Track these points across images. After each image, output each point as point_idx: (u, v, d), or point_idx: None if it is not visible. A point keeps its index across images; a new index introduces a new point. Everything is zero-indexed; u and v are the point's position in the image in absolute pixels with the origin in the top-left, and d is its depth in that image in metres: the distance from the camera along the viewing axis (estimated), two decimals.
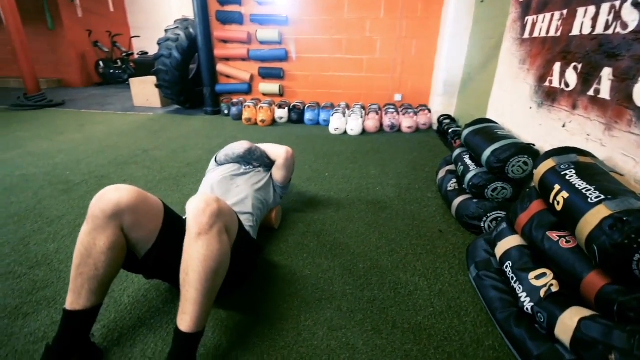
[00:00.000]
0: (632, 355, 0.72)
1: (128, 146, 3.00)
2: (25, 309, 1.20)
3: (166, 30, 4.03)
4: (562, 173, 1.07)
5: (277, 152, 1.68)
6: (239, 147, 1.63)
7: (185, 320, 0.88)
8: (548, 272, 1.06)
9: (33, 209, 1.89)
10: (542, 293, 1.02)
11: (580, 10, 1.36)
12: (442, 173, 2.12)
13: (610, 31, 1.20)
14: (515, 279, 1.13)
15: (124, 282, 1.32)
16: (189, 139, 3.25)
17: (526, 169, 1.57)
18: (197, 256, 0.88)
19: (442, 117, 3.47)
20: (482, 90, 2.76)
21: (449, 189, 1.92)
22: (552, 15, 1.57)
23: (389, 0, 3.57)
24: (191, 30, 4.00)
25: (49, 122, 3.87)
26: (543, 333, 0.98)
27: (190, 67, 4.33)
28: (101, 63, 6.54)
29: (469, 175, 1.76)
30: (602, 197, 0.89)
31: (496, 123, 1.98)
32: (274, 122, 3.88)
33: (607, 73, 1.19)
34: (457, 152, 2.05)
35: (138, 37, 7.18)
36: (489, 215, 1.63)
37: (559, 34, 1.51)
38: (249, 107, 3.80)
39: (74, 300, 0.93)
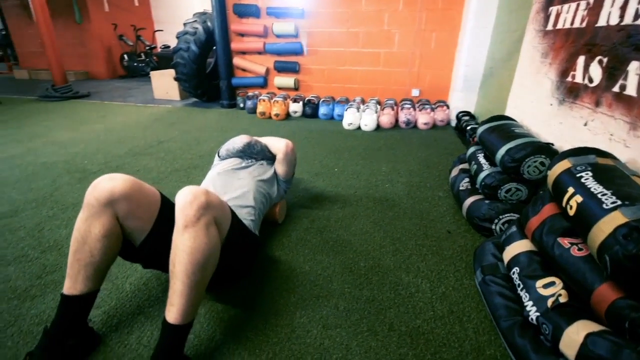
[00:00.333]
0: None
1: (144, 137, 3.07)
2: (33, 292, 1.25)
3: (185, 24, 4.08)
4: (578, 175, 0.99)
5: (277, 146, 1.65)
6: (239, 141, 1.63)
7: (172, 312, 0.88)
8: (557, 281, 0.99)
9: (50, 196, 1.96)
10: (549, 303, 0.96)
11: None
12: (455, 172, 2.04)
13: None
14: (521, 286, 1.06)
15: (127, 270, 1.35)
16: (204, 131, 3.30)
17: (543, 169, 1.48)
18: (183, 248, 0.88)
19: (460, 114, 3.35)
20: (503, 86, 2.64)
21: (461, 188, 1.85)
22: (578, 5, 1.46)
23: None
24: (209, 23, 4.03)
25: (73, 112, 4.02)
26: (548, 345, 0.92)
27: (208, 61, 4.38)
28: (125, 56, 6.74)
29: (482, 175, 1.68)
30: (619, 202, 0.82)
31: (514, 120, 1.88)
32: (288, 116, 3.87)
33: (634, 67, 1.09)
34: (471, 150, 1.96)
35: (161, 30, 7.34)
36: (501, 217, 1.55)
37: (584, 24, 1.40)
38: (263, 100, 3.80)
39: (70, 286, 0.95)
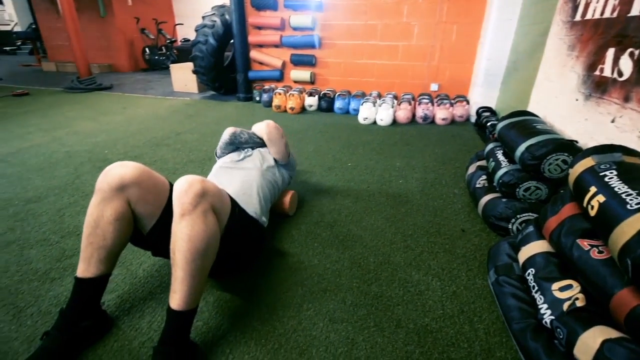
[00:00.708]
0: None
1: (163, 129, 3.14)
2: (52, 274, 1.30)
3: (203, 17, 4.12)
4: (601, 174, 0.94)
5: (259, 128, 1.64)
6: (225, 134, 1.64)
7: (175, 299, 0.90)
8: (574, 284, 0.94)
9: (72, 183, 2.04)
10: (565, 307, 0.91)
11: None
12: (472, 168, 1.98)
13: None
14: (536, 288, 1.02)
15: (141, 257, 1.39)
16: (220, 124, 3.33)
17: (565, 168, 1.42)
18: (181, 236, 0.89)
19: (481, 109, 3.24)
20: (526, 81, 2.53)
21: (478, 185, 1.79)
22: None
23: None
24: (227, 16, 4.06)
25: (96, 104, 4.15)
26: (561, 350, 0.88)
27: (226, 54, 4.42)
28: (147, 49, 6.88)
29: (500, 172, 1.62)
30: None
31: (536, 116, 1.81)
32: (303, 109, 3.86)
33: None
34: (489, 146, 1.90)
35: (181, 24, 7.45)
36: (518, 216, 1.49)
37: (615, 14, 1.31)
38: (279, 94, 3.80)
39: (84, 269, 0.98)
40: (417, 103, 3.49)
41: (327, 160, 2.44)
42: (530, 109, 2.05)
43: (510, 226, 1.51)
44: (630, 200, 0.80)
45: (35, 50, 7.73)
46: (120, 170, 1.00)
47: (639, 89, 1.14)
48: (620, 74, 1.25)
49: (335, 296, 1.21)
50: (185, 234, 0.89)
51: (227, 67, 4.44)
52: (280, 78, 4.21)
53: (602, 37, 1.40)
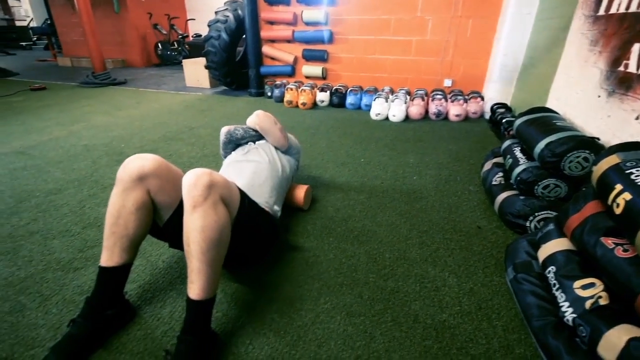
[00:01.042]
0: None
1: (176, 123, 3.17)
2: (75, 264, 1.34)
3: (216, 12, 4.13)
4: (627, 172, 0.92)
5: (250, 120, 1.65)
6: (221, 134, 1.66)
7: (194, 289, 0.91)
8: (597, 282, 0.93)
9: (91, 176, 2.08)
10: (587, 305, 0.91)
11: None
12: (487, 165, 1.96)
13: None
14: (557, 286, 1.01)
15: (160, 248, 1.42)
16: (232, 118, 3.35)
17: (586, 165, 1.39)
18: (194, 228, 0.90)
19: (495, 106, 3.19)
20: (544, 77, 2.48)
21: (494, 183, 1.78)
22: None
23: None
24: (240, 11, 4.06)
25: (111, 98, 4.21)
26: (583, 348, 0.87)
27: (238, 50, 4.43)
28: (159, 45, 6.94)
29: (518, 170, 1.60)
30: None
31: (556, 113, 1.77)
32: (314, 105, 3.85)
33: None
34: (506, 143, 1.87)
35: (193, 19, 7.49)
36: (536, 214, 1.48)
37: None
38: (290, 89, 3.80)
39: (108, 258, 1.01)
40: (430, 99, 3.45)
41: (340, 155, 2.44)
42: (549, 105, 2.02)
43: (527, 224, 1.50)
44: None
45: (50, 46, 7.86)
46: (139, 162, 1.03)
47: None
48: None
49: (351, 290, 1.22)
50: (198, 225, 0.90)
51: (238, 63, 4.45)
52: (291, 73, 4.21)
53: (627, 31, 1.36)
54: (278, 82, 4.09)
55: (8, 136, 2.79)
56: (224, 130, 1.66)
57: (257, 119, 1.62)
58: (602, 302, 0.88)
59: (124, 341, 1.02)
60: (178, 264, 1.34)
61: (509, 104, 3.25)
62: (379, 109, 3.35)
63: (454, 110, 3.28)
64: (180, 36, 6.99)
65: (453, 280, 1.27)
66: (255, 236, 1.20)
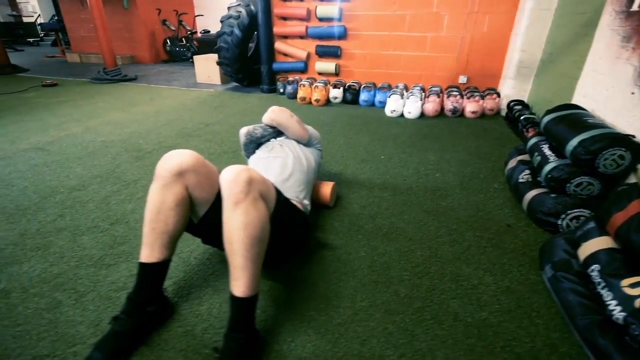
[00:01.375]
0: None
1: (191, 120, 3.16)
2: (107, 260, 1.34)
3: (229, 8, 4.11)
4: None
5: (267, 117, 1.64)
6: (241, 136, 1.66)
7: (239, 286, 0.91)
8: None
9: (112, 172, 2.08)
10: (637, 303, 0.89)
11: None
12: (512, 163, 1.94)
13: None
14: (603, 284, 1.00)
15: (191, 244, 1.41)
16: (246, 115, 3.34)
17: (622, 163, 1.37)
18: (237, 225, 0.90)
19: (512, 103, 3.16)
20: (566, 73, 2.45)
21: (521, 180, 1.76)
22: None
23: None
24: (252, 7, 4.04)
25: (123, 95, 4.21)
26: (635, 347, 0.86)
27: (249, 46, 4.40)
28: (168, 41, 6.92)
29: (548, 167, 1.58)
30: None
31: (584, 110, 1.75)
32: (328, 102, 3.83)
33: None
34: (533, 140, 1.85)
35: (201, 15, 7.45)
36: (568, 212, 1.46)
37: None
38: (304, 86, 3.78)
39: (148, 254, 1.00)
40: (445, 96, 3.43)
41: (359, 152, 2.43)
42: (575, 102, 1.99)
43: (559, 222, 1.48)
44: None
45: (58, 42, 7.86)
46: (178, 157, 1.02)
47: None
48: None
49: (387, 288, 1.21)
50: (241, 222, 0.90)
51: (249, 59, 4.43)
52: (304, 70, 4.18)
53: None
54: (291, 78, 4.07)
55: (25, 132, 2.79)
56: (243, 131, 1.65)
57: (273, 114, 1.62)
58: None
59: (165, 338, 1.02)
60: (210, 261, 1.34)
61: (526, 100, 3.23)
62: (394, 105, 3.32)
63: (470, 107, 3.25)
64: (188, 32, 6.96)
65: (489, 278, 1.26)
66: (289, 232, 1.19)
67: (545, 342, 1.01)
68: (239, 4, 4.09)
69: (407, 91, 3.57)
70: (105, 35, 4.64)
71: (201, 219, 1.09)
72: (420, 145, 2.58)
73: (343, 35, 3.85)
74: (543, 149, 1.71)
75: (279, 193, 1.11)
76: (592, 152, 1.40)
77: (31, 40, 9.80)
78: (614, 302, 0.95)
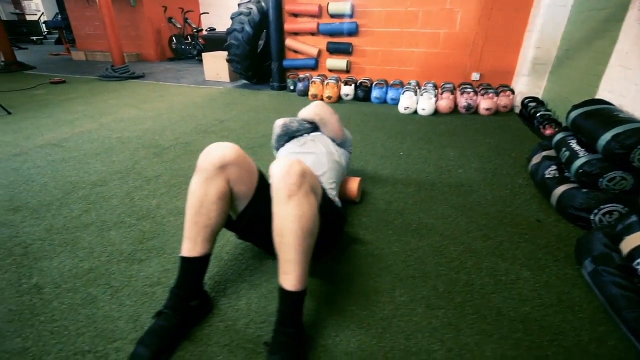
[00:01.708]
0: None
1: (205, 116, 3.15)
2: (138, 256, 1.33)
3: (239, 5, 4.09)
4: None
5: (309, 111, 1.62)
6: (276, 128, 1.63)
7: (290, 280, 0.90)
8: None
9: (132, 168, 2.07)
10: None
11: None
12: (536, 159, 1.93)
13: None
14: None
15: (220, 240, 1.40)
16: (259, 112, 3.33)
17: None
18: (290, 218, 0.88)
19: (526, 100, 3.15)
20: (585, 70, 2.44)
21: (547, 176, 1.75)
22: None
23: None
24: (263, 4, 4.02)
25: (133, 92, 4.19)
26: None
27: (258, 43, 4.38)
28: (174, 38, 6.90)
29: (579, 162, 1.57)
30: None
31: (612, 105, 1.74)
32: (339, 99, 3.82)
33: None
34: (559, 136, 1.84)
35: (207, 13, 7.43)
36: (601, 207, 1.45)
37: None
38: (315, 83, 3.77)
39: (191, 248, 0.99)
40: (458, 92, 3.41)
41: (377, 149, 2.41)
42: (600, 97, 1.98)
43: (592, 217, 1.47)
44: None
45: (63, 40, 7.83)
46: (221, 150, 1.00)
47: None
48: None
49: (424, 283, 1.20)
50: (294, 214, 0.88)
51: (259, 56, 4.41)
52: (314, 67, 4.17)
53: None
54: (301, 75, 4.05)
55: (38, 128, 2.78)
56: (280, 122, 1.63)
57: (317, 109, 1.60)
58: None
59: (207, 332, 1.00)
60: (242, 256, 1.33)
61: (540, 97, 3.21)
62: (407, 102, 3.31)
63: (485, 103, 3.24)
64: (194, 30, 6.94)
65: (527, 273, 1.24)
66: (329, 227, 1.18)
67: (591, 335, 1.00)
68: (249, 0, 4.06)
69: (419, 88, 3.55)
70: (114, 32, 4.62)
71: (240, 213, 1.08)
72: (437, 142, 2.56)
73: (354, 32, 3.84)
74: (571, 144, 1.70)
75: (322, 187, 1.10)
76: (626, 146, 1.39)
77: (34, 38, 9.77)
78: None
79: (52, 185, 1.86)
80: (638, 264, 1.05)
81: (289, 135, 1.63)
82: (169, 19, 6.81)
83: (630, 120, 1.49)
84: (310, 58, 4.12)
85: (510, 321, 1.05)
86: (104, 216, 1.58)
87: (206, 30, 6.98)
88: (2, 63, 5.47)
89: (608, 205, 1.44)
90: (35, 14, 10.12)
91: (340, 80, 3.88)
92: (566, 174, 1.70)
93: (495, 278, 1.22)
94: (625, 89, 1.77)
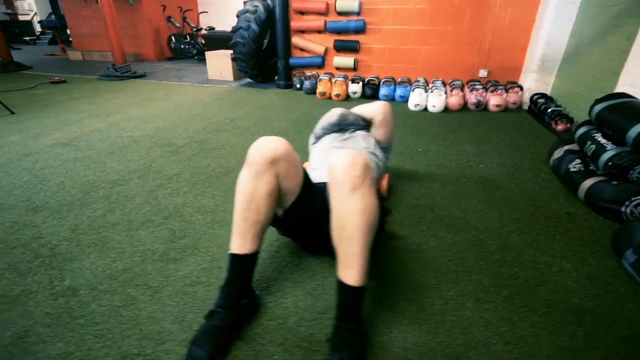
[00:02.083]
0: None
1: (214, 115, 3.11)
2: (172, 255, 1.29)
3: (245, 2, 4.05)
4: None
5: (373, 108, 1.61)
6: (332, 115, 1.61)
7: (352, 274, 0.88)
8: None
9: (150, 167, 2.02)
10: None
11: None
12: (559, 153, 1.93)
13: None
14: None
15: None
16: (269, 110, 3.30)
17: None
18: (354, 211, 0.86)
19: (535, 96, 3.18)
20: (598, 65, 2.47)
21: (573, 170, 1.75)
22: None
23: None
24: (269, 1, 3.98)
25: (137, 91, 4.12)
26: None
27: (263, 41, 4.34)
28: (173, 38, 6.82)
29: (607, 155, 1.58)
30: None
31: (636, 98, 1.75)
32: (347, 97, 3.80)
33: None
34: (582, 130, 1.85)
35: (205, 12, 7.36)
36: (632, 199, 1.45)
37: None
38: (323, 80, 3.75)
39: (241, 245, 0.96)
40: (467, 89, 3.42)
41: (395, 145, 2.37)
42: (619, 91, 1.99)
43: (623, 209, 1.47)
44: None
45: (58, 40, 7.68)
46: (272, 144, 0.98)
47: None
48: None
49: (469, 277, 1.19)
50: (359, 207, 0.87)
51: (264, 54, 4.38)
52: (321, 65, 4.14)
53: None
54: (308, 73, 4.03)
55: (45, 128, 2.71)
56: (338, 111, 1.61)
57: (383, 109, 1.59)
58: None
59: (258, 331, 0.98)
60: (279, 253, 1.31)
61: (548, 93, 3.24)
62: (417, 99, 3.31)
63: (494, 100, 3.26)
64: (194, 29, 6.87)
65: (568, 265, 1.24)
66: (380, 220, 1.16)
67: None
68: None
69: (427, 85, 3.56)
70: (115, 31, 4.54)
71: (287, 209, 1.06)
72: (453, 138, 2.57)
73: (362, 29, 3.83)
74: (597, 137, 1.71)
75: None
76: None
77: (27, 38, 9.57)
78: None
79: (69, 185, 1.82)
80: None
81: (340, 127, 1.61)
82: (168, 18, 6.73)
83: None
84: (317, 56, 4.09)
85: (561, 313, 1.04)
86: (129, 215, 1.54)
87: (205, 29, 6.91)
88: None
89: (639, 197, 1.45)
90: (28, 14, 9.91)
91: (348, 78, 3.86)
92: (591, 167, 1.71)
93: (538, 271, 1.22)
94: None
